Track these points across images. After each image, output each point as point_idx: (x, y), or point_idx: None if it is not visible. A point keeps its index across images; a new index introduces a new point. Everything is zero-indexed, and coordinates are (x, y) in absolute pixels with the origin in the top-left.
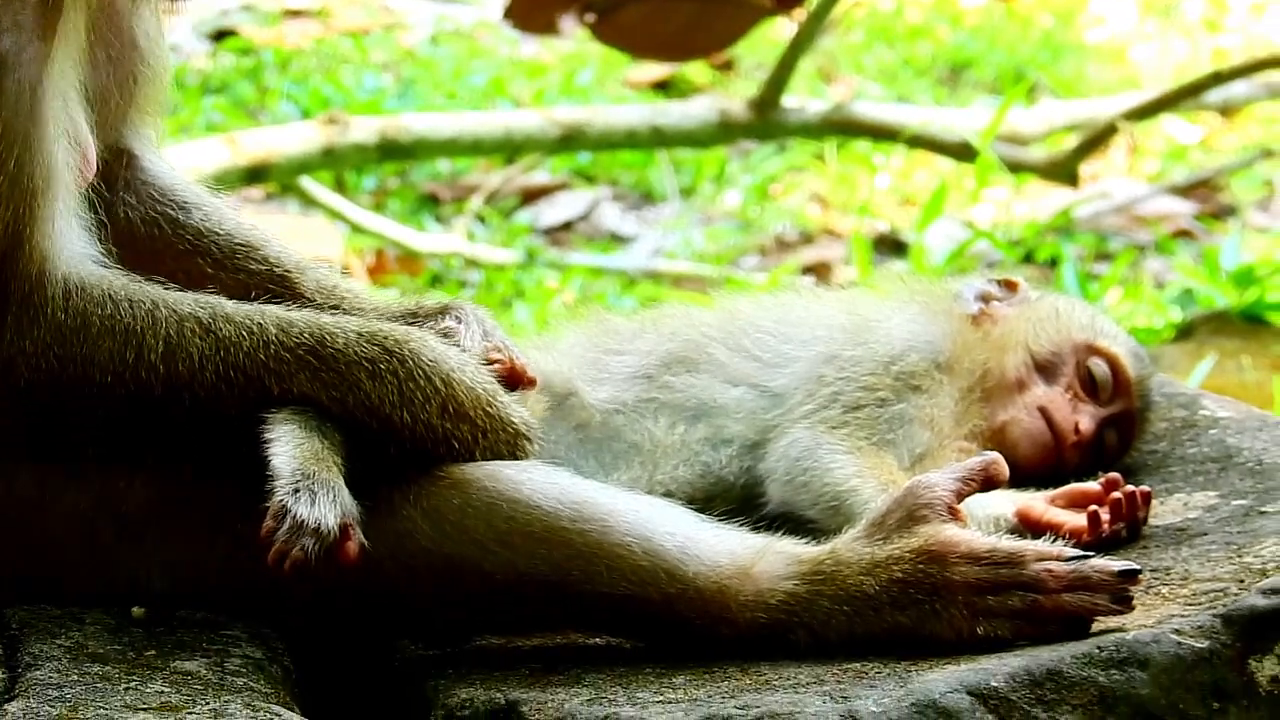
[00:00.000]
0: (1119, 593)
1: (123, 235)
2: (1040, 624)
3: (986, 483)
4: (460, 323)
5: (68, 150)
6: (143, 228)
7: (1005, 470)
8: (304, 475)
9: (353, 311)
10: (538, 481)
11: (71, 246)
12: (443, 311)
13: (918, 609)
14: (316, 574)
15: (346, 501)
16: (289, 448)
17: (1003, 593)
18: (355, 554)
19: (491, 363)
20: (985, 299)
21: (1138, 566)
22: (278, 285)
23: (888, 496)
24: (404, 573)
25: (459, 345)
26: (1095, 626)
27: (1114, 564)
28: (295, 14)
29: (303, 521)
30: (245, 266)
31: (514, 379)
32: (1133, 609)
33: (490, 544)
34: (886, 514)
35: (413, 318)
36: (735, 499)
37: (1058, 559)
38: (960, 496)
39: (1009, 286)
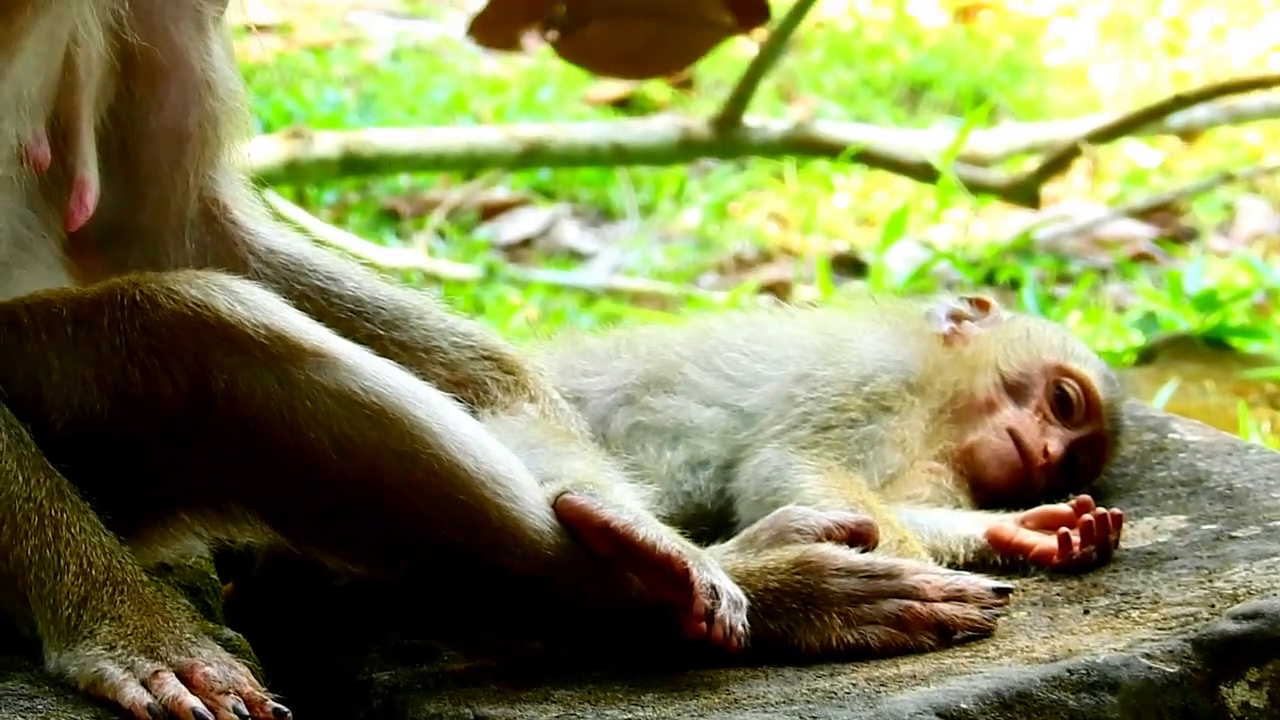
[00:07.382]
0: (991, 608)
1: None
2: (911, 632)
3: (854, 537)
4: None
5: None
6: (291, 301)
7: (878, 537)
8: (694, 554)
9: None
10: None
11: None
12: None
13: (790, 617)
14: None
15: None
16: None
17: (878, 600)
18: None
19: None
20: (957, 318)
21: (1010, 585)
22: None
23: (764, 519)
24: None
25: None
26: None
27: (987, 580)
28: (257, 29)
29: (727, 591)
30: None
31: None
32: (995, 627)
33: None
34: (758, 531)
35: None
36: (710, 521)
37: (934, 573)
38: (829, 535)
39: (981, 306)
